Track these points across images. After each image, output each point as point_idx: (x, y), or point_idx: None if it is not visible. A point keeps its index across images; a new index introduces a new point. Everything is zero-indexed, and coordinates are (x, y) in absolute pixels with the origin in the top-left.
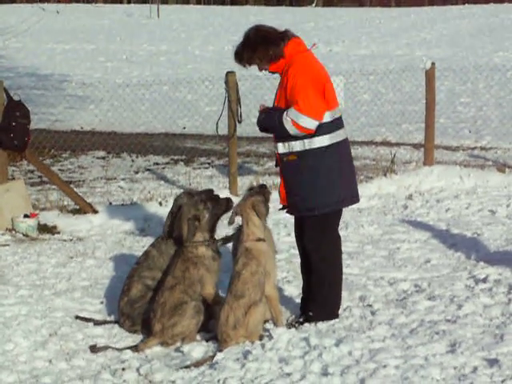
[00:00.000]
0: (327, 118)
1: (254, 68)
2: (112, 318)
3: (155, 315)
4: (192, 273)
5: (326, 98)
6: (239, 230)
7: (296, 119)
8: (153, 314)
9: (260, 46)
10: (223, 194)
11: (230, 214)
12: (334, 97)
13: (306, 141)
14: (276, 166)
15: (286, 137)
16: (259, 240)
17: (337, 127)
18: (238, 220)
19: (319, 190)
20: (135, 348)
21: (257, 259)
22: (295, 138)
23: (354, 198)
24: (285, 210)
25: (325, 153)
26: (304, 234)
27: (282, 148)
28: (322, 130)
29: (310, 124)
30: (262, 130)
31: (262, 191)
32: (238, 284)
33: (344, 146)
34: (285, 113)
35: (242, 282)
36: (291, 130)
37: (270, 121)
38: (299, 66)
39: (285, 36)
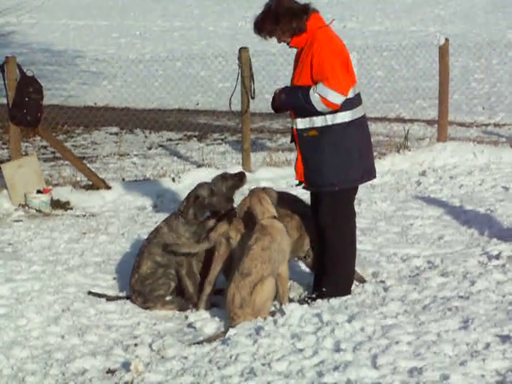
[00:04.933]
0: (350, 93)
1: (270, 42)
2: (124, 293)
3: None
4: None
5: (350, 72)
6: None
7: (325, 95)
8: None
9: (283, 18)
10: (236, 169)
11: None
12: (354, 72)
13: (328, 116)
14: (291, 141)
15: (306, 113)
16: (275, 218)
17: (358, 103)
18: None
19: (340, 166)
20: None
21: (271, 235)
22: (317, 113)
23: (373, 174)
24: (301, 186)
25: (346, 129)
26: (320, 208)
27: (301, 124)
28: (345, 105)
29: (338, 99)
30: (280, 109)
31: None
32: (245, 261)
33: (364, 121)
34: (311, 89)
35: (250, 258)
36: (318, 105)
37: (294, 99)
38: (324, 41)
39: (307, 9)
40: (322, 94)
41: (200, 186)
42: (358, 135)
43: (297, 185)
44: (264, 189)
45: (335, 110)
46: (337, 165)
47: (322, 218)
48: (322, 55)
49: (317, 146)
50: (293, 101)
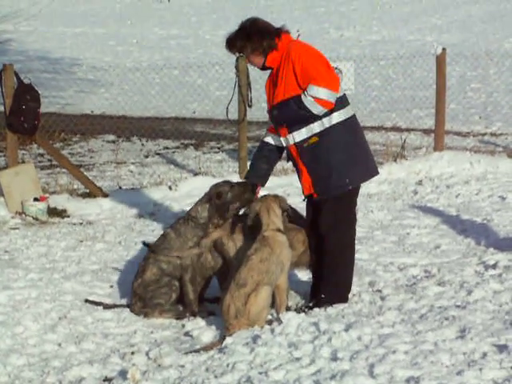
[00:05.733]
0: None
1: None
2: (121, 301)
3: None
4: None
5: (333, 72)
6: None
7: (317, 94)
8: None
9: (255, 36)
10: (233, 178)
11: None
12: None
13: (324, 120)
14: (288, 161)
15: (302, 123)
16: (279, 230)
17: (347, 102)
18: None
19: (347, 165)
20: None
21: (271, 247)
22: (312, 120)
23: (376, 169)
24: (307, 199)
25: (344, 127)
26: (322, 215)
27: (299, 136)
28: (337, 105)
29: (331, 96)
30: (276, 127)
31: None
32: (242, 271)
33: (356, 120)
34: (303, 94)
35: (248, 268)
36: (313, 107)
37: (288, 110)
38: (300, 49)
39: (280, 31)
40: (314, 95)
41: (216, 185)
42: (356, 132)
43: (304, 200)
44: (276, 197)
45: (329, 112)
46: (344, 164)
47: (324, 224)
48: (302, 60)
49: (320, 152)
50: (286, 112)
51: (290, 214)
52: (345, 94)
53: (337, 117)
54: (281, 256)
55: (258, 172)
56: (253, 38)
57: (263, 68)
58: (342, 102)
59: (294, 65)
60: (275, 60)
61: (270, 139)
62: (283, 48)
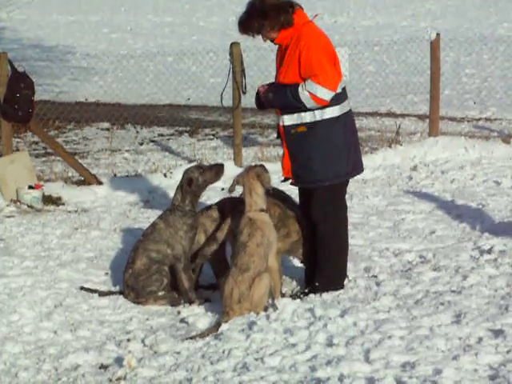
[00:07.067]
0: (338, 88)
1: (259, 39)
2: (117, 288)
3: None
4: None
5: (337, 68)
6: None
7: (314, 92)
8: None
9: (271, 13)
10: (228, 165)
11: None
12: (340, 67)
13: (316, 112)
14: (277, 137)
15: (295, 108)
16: (262, 210)
17: (345, 97)
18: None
19: (329, 161)
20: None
21: (261, 230)
22: (306, 109)
23: (360, 168)
24: (288, 182)
25: (335, 124)
26: (312, 204)
27: (289, 120)
28: (334, 100)
29: (328, 95)
30: (265, 107)
31: (262, 165)
32: (243, 256)
33: (350, 116)
34: (300, 87)
35: (247, 254)
36: (308, 103)
37: (283, 97)
38: (310, 38)
39: (292, 4)
40: (312, 91)
41: (186, 171)
42: (346, 130)
43: (282, 181)
44: (258, 176)
45: (324, 106)
46: (326, 160)
47: (314, 213)
48: (309, 52)
49: (305, 142)
50: (281, 99)
51: (271, 193)
52: (344, 89)
53: (330, 112)
54: (270, 236)
55: None
56: (270, 15)
57: (272, 42)
58: (339, 98)
59: (301, 53)
60: (286, 38)
61: None
62: (297, 26)
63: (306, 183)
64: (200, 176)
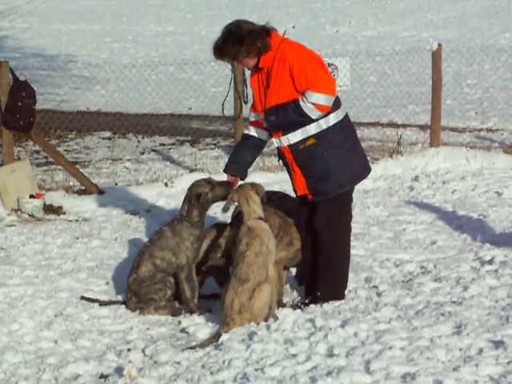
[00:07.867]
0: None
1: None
2: (117, 298)
3: None
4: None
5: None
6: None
7: (317, 101)
8: None
9: (247, 39)
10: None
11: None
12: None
13: (321, 121)
14: (279, 160)
15: (299, 126)
16: (260, 218)
17: (340, 102)
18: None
19: (344, 165)
20: None
21: (260, 238)
22: (308, 122)
23: (369, 167)
24: (300, 199)
25: (340, 127)
26: (318, 215)
27: (294, 137)
28: (334, 106)
29: (330, 101)
30: (272, 131)
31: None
32: (242, 267)
33: (349, 119)
34: (300, 101)
35: (246, 264)
36: (313, 114)
37: (286, 117)
38: (296, 51)
39: (268, 29)
40: (315, 101)
41: (196, 184)
42: (349, 131)
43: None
44: (252, 185)
45: (326, 113)
46: (341, 165)
47: (320, 223)
48: (300, 64)
49: (318, 153)
50: (284, 119)
51: (265, 201)
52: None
53: (334, 118)
54: (269, 245)
55: (241, 164)
56: (246, 41)
57: (255, 67)
58: (337, 102)
59: (292, 68)
60: (268, 60)
61: (253, 132)
62: (275, 48)
63: (327, 194)
64: (210, 192)
